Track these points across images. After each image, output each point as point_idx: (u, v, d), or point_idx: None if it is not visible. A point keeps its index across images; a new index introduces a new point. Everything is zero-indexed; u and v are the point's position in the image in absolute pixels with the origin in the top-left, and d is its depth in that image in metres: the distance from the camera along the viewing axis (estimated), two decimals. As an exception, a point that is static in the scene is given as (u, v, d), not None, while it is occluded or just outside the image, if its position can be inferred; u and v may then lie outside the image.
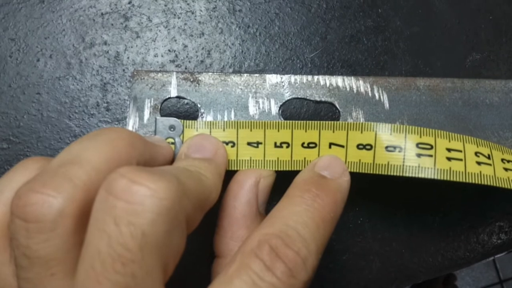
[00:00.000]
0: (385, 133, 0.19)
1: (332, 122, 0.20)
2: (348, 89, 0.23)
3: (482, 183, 0.18)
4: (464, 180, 0.18)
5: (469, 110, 0.22)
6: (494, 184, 0.18)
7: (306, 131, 0.20)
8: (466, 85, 0.23)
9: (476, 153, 0.19)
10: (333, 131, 0.20)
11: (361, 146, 0.19)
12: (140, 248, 0.13)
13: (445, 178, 0.18)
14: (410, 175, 0.18)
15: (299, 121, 0.20)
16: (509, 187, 0.19)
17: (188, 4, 0.27)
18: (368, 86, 0.23)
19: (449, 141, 0.19)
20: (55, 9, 0.26)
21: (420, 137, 0.19)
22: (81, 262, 0.13)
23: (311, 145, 0.20)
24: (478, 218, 0.26)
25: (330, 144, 0.20)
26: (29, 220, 0.13)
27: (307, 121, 0.20)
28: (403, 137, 0.19)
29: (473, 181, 0.18)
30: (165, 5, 0.27)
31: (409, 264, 0.26)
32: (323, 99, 0.23)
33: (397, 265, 0.26)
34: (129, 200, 0.13)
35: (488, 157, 0.19)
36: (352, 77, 0.23)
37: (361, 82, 0.23)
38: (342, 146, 0.20)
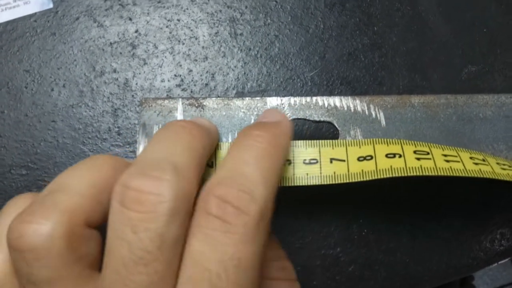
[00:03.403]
0: (382, 145, 0.20)
1: (332, 140, 0.21)
2: (345, 108, 0.24)
3: (483, 176, 0.19)
4: (465, 175, 0.19)
5: (463, 124, 0.23)
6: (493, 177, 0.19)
7: (306, 148, 0.21)
8: (460, 101, 0.24)
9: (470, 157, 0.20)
10: (332, 148, 0.21)
11: (361, 158, 0.20)
12: (158, 248, 0.14)
13: (446, 174, 0.19)
14: (414, 174, 0.19)
15: (301, 140, 0.21)
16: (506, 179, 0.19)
17: (191, 30, 0.28)
18: (365, 105, 0.24)
19: (443, 149, 0.20)
20: (66, 41, 0.27)
21: (415, 146, 0.20)
22: (106, 269, 0.14)
23: (312, 161, 0.21)
24: (480, 226, 0.27)
25: (331, 160, 0.21)
26: (25, 250, 0.14)
27: (307, 140, 0.21)
28: (400, 147, 0.20)
29: (474, 175, 0.19)
30: (170, 32, 0.28)
31: (413, 273, 0.27)
32: (322, 119, 0.24)
33: (402, 275, 0.27)
34: (141, 210, 0.14)
35: (484, 160, 0.20)
36: (349, 97, 0.24)
37: (358, 101, 0.24)
38: (343, 160, 0.21)
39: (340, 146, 0.21)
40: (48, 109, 0.27)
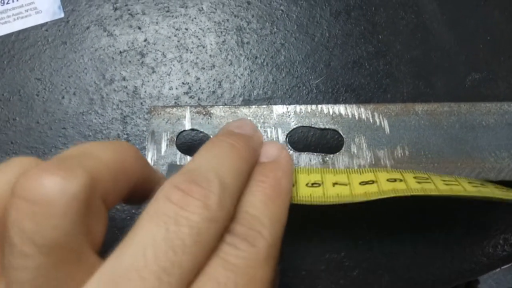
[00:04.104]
0: (383, 172, 0.21)
1: (333, 168, 0.22)
2: (350, 116, 0.24)
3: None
4: (466, 194, 0.20)
5: (466, 132, 0.24)
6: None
7: (308, 174, 0.21)
8: (463, 109, 0.24)
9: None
10: (334, 175, 0.21)
11: (363, 183, 0.21)
12: (193, 243, 0.14)
13: (448, 194, 0.20)
14: (417, 194, 0.20)
15: (303, 167, 0.22)
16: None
17: (199, 39, 0.29)
18: (369, 113, 0.24)
19: (441, 176, 0.21)
20: (77, 49, 0.28)
21: (415, 173, 0.21)
22: (129, 246, 0.14)
23: (315, 184, 0.21)
24: (483, 231, 0.27)
25: (334, 184, 0.21)
26: (37, 202, 0.13)
27: (309, 167, 0.22)
28: (400, 174, 0.20)
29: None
30: (178, 41, 0.29)
31: (416, 277, 0.27)
32: (327, 127, 0.24)
33: (405, 279, 0.27)
34: (186, 208, 0.15)
35: (482, 184, 0.20)
36: (354, 105, 0.24)
37: (362, 109, 0.24)
38: (346, 184, 0.21)
39: (342, 173, 0.21)
40: (59, 116, 0.27)
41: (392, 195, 0.20)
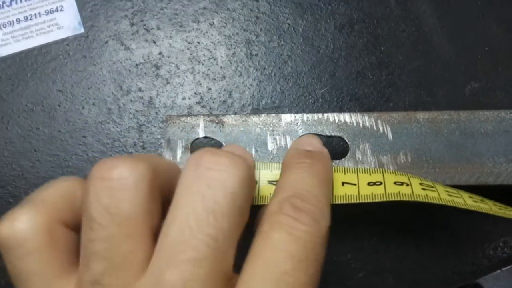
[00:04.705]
0: (391, 174, 0.22)
1: (344, 167, 0.23)
2: (355, 124, 0.25)
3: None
4: (465, 208, 0.21)
5: (465, 139, 0.25)
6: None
7: None
8: (462, 117, 0.25)
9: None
10: (344, 174, 0.22)
11: (371, 183, 0.22)
12: (229, 205, 0.16)
13: (448, 205, 0.21)
14: (420, 200, 0.21)
15: None
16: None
17: (210, 51, 0.30)
18: (373, 121, 0.25)
19: (445, 187, 0.22)
20: (96, 63, 0.30)
21: (421, 180, 0.22)
22: (172, 222, 0.16)
23: None
24: (484, 234, 0.29)
25: (343, 183, 0.22)
26: (114, 178, 0.15)
27: None
28: (407, 178, 0.22)
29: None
30: (191, 54, 0.30)
31: (420, 279, 0.28)
32: (333, 134, 0.25)
33: (409, 281, 0.28)
34: (216, 168, 0.16)
35: (482, 200, 0.22)
36: (358, 113, 0.26)
37: (366, 117, 0.25)
38: (354, 184, 0.22)
39: (352, 172, 0.23)
40: (79, 125, 0.29)
41: (396, 198, 0.21)
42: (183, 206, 0.16)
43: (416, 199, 0.21)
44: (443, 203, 0.21)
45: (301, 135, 0.25)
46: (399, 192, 0.21)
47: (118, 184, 0.15)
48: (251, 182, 0.17)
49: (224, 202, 0.16)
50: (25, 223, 0.16)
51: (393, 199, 0.21)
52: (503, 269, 0.28)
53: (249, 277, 0.16)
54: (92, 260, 0.15)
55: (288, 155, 0.22)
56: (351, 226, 0.28)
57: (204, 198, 0.16)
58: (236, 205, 0.16)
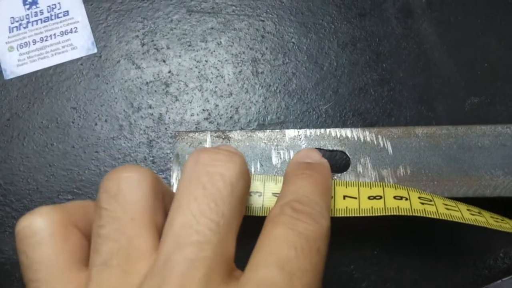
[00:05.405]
0: (391, 188, 0.23)
1: (345, 180, 0.24)
2: (356, 139, 0.26)
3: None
4: (463, 222, 0.22)
5: (463, 153, 0.26)
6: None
7: None
8: (460, 131, 0.26)
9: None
10: (346, 187, 0.23)
11: (371, 197, 0.23)
12: (228, 194, 0.17)
13: (446, 219, 0.22)
14: (419, 215, 0.22)
15: None
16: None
17: (218, 70, 0.32)
18: (374, 136, 0.26)
19: (444, 200, 0.23)
20: (108, 81, 0.31)
21: (420, 194, 0.23)
22: (177, 210, 0.17)
23: None
24: (485, 245, 0.29)
25: (344, 196, 0.23)
26: (122, 176, 0.17)
27: None
28: (406, 192, 0.22)
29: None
30: (199, 72, 0.31)
31: (423, 290, 0.29)
32: (335, 148, 0.26)
33: (412, 291, 0.29)
34: (214, 164, 0.18)
35: (479, 213, 0.22)
36: (359, 128, 0.27)
37: (367, 132, 0.26)
38: (355, 198, 0.23)
39: (353, 186, 0.24)
40: (92, 141, 0.30)
41: (395, 213, 0.22)
42: (185, 196, 0.17)
43: (414, 214, 0.22)
44: (441, 217, 0.22)
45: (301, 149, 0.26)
46: (397, 207, 0.22)
47: (125, 179, 0.17)
48: (247, 175, 0.19)
49: (224, 190, 0.17)
50: (43, 215, 0.17)
51: (392, 213, 0.22)
52: (503, 279, 0.28)
53: (255, 264, 0.17)
54: (101, 244, 0.17)
55: (289, 168, 0.23)
56: (354, 237, 0.29)
57: (205, 188, 0.17)
58: (234, 194, 0.17)
